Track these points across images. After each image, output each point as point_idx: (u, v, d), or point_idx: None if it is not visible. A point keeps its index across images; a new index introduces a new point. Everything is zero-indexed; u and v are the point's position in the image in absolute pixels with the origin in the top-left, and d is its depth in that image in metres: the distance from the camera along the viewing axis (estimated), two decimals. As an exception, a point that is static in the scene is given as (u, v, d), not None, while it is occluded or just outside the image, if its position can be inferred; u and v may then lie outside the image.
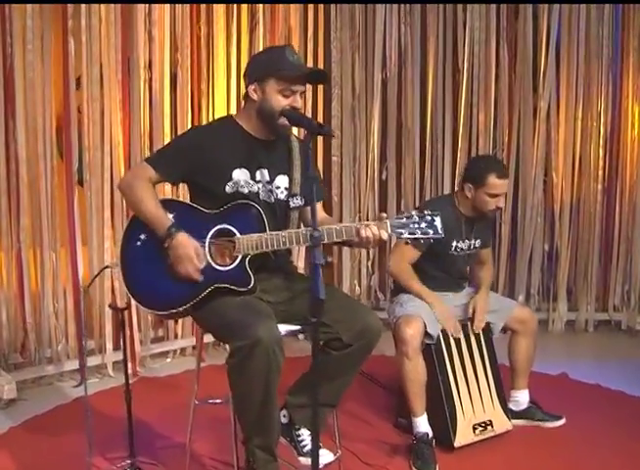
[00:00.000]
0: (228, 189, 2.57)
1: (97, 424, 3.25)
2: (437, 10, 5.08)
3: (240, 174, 2.59)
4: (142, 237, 2.54)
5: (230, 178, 2.57)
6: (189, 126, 4.41)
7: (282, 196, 2.66)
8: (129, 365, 4.19)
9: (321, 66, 4.88)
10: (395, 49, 5.10)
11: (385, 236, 2.46)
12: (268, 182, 2.64)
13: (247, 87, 2.61)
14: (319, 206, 2.77)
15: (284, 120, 2.53)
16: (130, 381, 3.99)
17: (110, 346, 4.26)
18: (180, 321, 4.57)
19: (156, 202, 2.54)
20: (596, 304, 5.29)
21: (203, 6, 4.42)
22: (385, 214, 2.52)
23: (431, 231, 2.48)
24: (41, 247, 4.00)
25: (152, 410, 3.57)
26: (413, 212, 2.50)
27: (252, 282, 2.49)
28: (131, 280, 2.54)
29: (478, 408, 3.35)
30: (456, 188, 4.07)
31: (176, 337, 4.63)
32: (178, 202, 2.71)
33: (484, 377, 3.43)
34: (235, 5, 4.52)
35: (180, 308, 2.49)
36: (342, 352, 2.52)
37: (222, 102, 4.52)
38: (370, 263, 5.32)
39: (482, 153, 5.09)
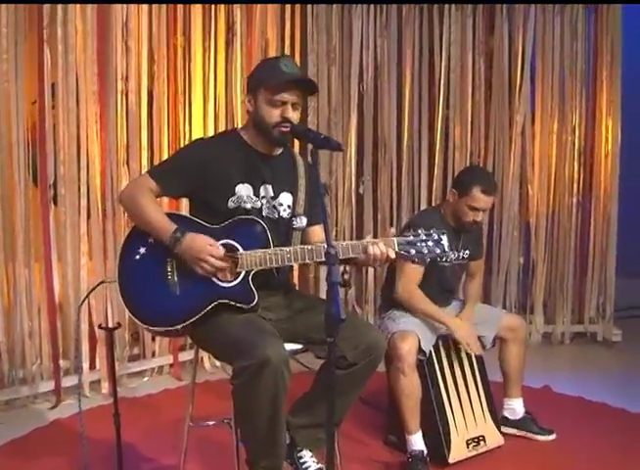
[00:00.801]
0: (231, 204, 2.53)
1: (78, 447, 3.09)
2: (414, 23, 5.09)
3: (243, 189, 2.54)
4: (141, 250, 2.48)
5: (233, 193, 2.53)
6: (165, 140, 4.36)
7: (285, 214, 2.62)
8: (105, 385, 4.13)
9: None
10: (372, 62, 5.09)
11: (392, 254, 2.43)
12: (272, 198, 2.60)
13: (245, 99, 2.60)
14: (319, 227, 2.73)
15: (278, 130, 2.49)
16: (106, 402, 3.92)
17: (86, 366, 4.12)
18: (157, 338, 4.45)
19: (159, 210, 2.50)
20: (572, 316, 5.32)
21: (180, 17, 4.36)
22: (393, 230, 2.50)
23: (438, 250, 2.48)
24: (13, 263, 3.84)
25: (134, 432, 3.44)
26: (419, 231, 2.49)
27: (256, 299, 2.43)
28: (129, 295, 2.46)
29: (470, 423, 3.32)
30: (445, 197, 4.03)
31: (153, 355, 4.50)
32: (179, 215, 2.64)
33: (476, 391, 3.41)
34: (213, 16, 4.47)
35: (180, 326, 2.41)
36: (346, 370, 2.47)
37: (199, 115, 4.47)
38: (347, 277, 5.25)
39: (461, 167, 5.07)
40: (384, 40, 5.08)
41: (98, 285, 3.02)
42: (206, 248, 2.40)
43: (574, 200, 5.21)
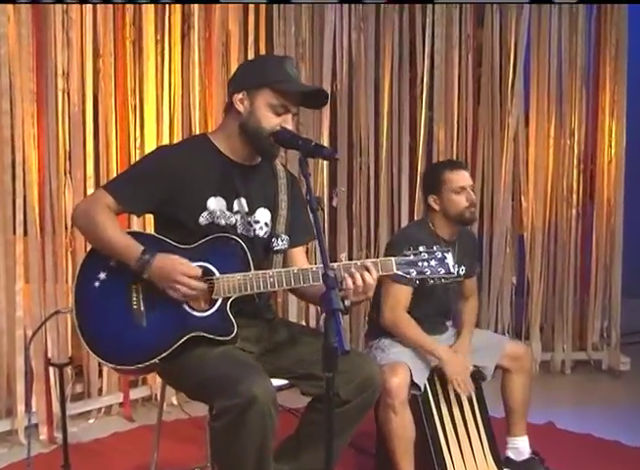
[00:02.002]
0: (202, 220, 2.50)
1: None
2: (393, 15, 5.10)
3: (215, 203, 2.52)
4: (101, 276, 2.44)
5: (204, 208, 2.50)
6: (113, 146, 4.30)
7: (261, 233, 2.61)
8: (44, 430, 4.02)
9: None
10: (346, 58, 5.07)
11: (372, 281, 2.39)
12: (247, 214, 2.58)
13: (230, 96, 2.53)
14: (301, 251, 2.74)
15: (272, 140, 2.46)
16: (45, 450, 3.82)
17: (21, 408, 4.01)
18: (105, 374, 4.36)
19: (121, 229, 2.46)
20: (573, 342, 5.35)
21: (129, 5, 4.30)
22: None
23: (442, 270, 2.48)
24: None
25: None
26: (421, 249, 2.49)
27: (235, 330, 2.40)
28: (87, 328, 2.41)
29: (470, 466, 3.31)
30: (422, 213, 4.05)
31: (100, 393, 4.41)
32: (144, 234, 2.62)
33: (475, 429, 3.39)
34: (166, 5, 4.42)
35: (148, 363, 2.37)
36: (339, 408, 2.44)
37: (152, 117, 4.43)
38: (349, 303, 5.19)
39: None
40: (359, 33, 5.07)
41: (52, 315, 2.96)
42: (179, 267, 2.36)
43: (574, 211, 5.25)
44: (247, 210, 2.57)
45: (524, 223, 5.25)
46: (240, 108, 2.50)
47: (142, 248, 2.38)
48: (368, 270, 2.37)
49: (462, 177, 3.38)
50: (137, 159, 4.27)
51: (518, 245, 5.33)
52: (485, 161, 5.23)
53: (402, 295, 3.30)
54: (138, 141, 4.37)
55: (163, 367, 2.44)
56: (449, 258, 2.49)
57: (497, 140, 5.20)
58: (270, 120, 2.46)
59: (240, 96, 2.50)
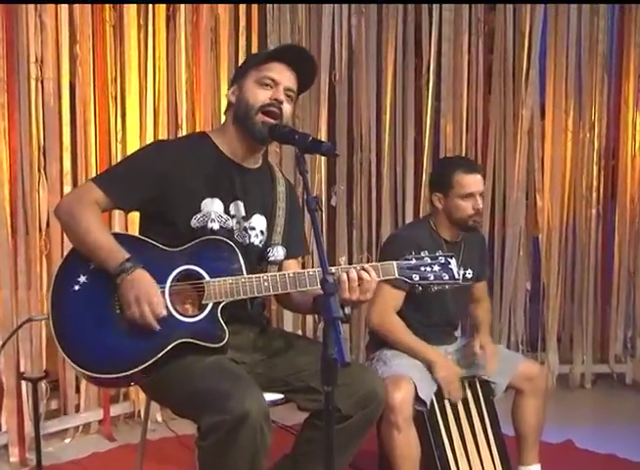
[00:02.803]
0: (195, 223, 2.52)
1: None
2: (397, -2, 5.11)
3: (211, 205, 2.54)
4: (81, 280, 2.43)
5: (198, 210, 2.52)
6: (92, 139, 4.29)
7: (256, 241, 2.63)
8: (15, 452, 3.99)
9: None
10: (346, 45, 5.07)
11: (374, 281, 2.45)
12: (243, 218, 2.60)
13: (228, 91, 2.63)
14: (295, 263, 2.80)
15: (262, 117, 2.50)
16: None
17: (-12, 427, 4.01)
18: (83, 388, 4.34)
19: (107, 230, 2.47)
20: (593, 354, 5.34)
21: (109, -15, 4.30)
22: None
23: (446, 275, 2.55)
24: None
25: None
26: (423, 254, 2.56)
27: (227, 337, 2.40)
28: (65, 335, 2.39)
29: (482, 489, 3.31)
30: (428, 208, 4.06)
31: (77, 409, 4.38)
32: (128, 236, 2.63)
33: (487, 449, 3.38)
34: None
35: (130, 372, 2.35)
36: (339, 425, 2.44)
37: (134, 108, 4.42)
38: (349, 310, 5.17)
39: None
40: (360, 18, 5.07)
41: (24, 323, 2.93)
42: (153, 294, 2.35)
43: (594, 211, 5.25)
44: (243, 214, 2.59)
45: (539, 224, 5.24)
46: (232, 99, 2.58)
47: (127, 255, 2.38)
48: (366, 271, 2.42)
49: (474, 182, 3.38)
50: (118, 152, 4.30)
51: (532, 247, 5.32)
52: (497, 156, 5.23)
53: (393, 298, 3.33)
54: (119, 134, 4.35)
55: (148, 379, 2.43)
56: (453, 264, 2.55)
57: (510, 134, 5.20)
58: (258, 95, 2.52)
59: (232, 90, 2.60)
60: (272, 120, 2.49)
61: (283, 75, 2.52)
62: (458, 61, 5.14)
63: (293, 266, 2.76)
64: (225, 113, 2.66)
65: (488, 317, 3.68)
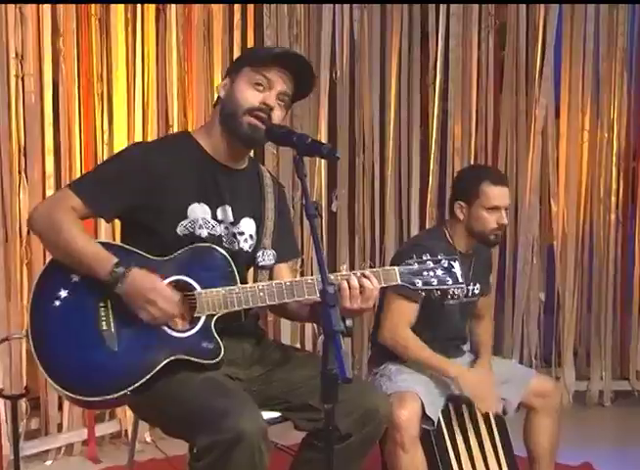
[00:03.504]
0: (181, 230, 2.52)
1: None
2: (402, -10, 5.13)
3: (198, 211, 2.54)
4: (62, 295, 2.42)
5: (185, 216, 2.52)
6: (77, 141, 4.29)
7: (246, 246, 2.64)
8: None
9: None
10: (347, 40, 5.08)
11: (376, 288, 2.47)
12: (232, 224, 2.61)
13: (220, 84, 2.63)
14: (286, 267, 2.80)
15: (249, 119, 2.49)
16: None
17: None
18: (66, 407, 4.34)
19: (89, 236, 2.47)
20: (612, 369, 5.33)
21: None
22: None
23: (449, 279, 2.58)
24: None
25: None
26: (425, 257, 2.58)
27: (222, 352, 2.41)
28: (47, 355, 2.39)
29: (491, 514, 3.33)
30: (446, 216, 4.07)
31: (60, 429, 4.38)
32: (111, 245, 2.59)
33: (498, 470, 3.41)
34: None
35: (120, 393, 2.35)
36: (339, 444, 2.43)
37: (122, 107, 4.41)
38: (350, 323, 5.19)
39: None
40: (362, 12, 5.09)
41: (2, 342, 2.94)
42: (159, 285, 2.37)
43: (613, 216, 5.26)
44: (231, 219, 2.60)
45: (553, 231, 5.25)
46: (221, 93, 2.58)
47: (115, 259, 2.38)
48: (367, 277, 2.43)
49: (501, 195, 3.40)
50: (104, 155, 4.29)
51: (547, 256, 5.33)
52: (509, 158, 5.24)
53: (406, 310, 3.33)
54: (106, 135, 4.35)
55: (136, 398, 2.43)
56: (457, 267, 2.57)
57: (522, 134, 5.22)
58: (248, 97, 2.50)
59: (223, 83, 2.59)
60: (260, 124, 2.48)
61: (279, 79, 2.50)
62: (467, 57, 5.16)
63: (285, 271, 2.77)
64: (214, 106, 2.65)
65: (489, 339, 3.66)
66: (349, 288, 2.40)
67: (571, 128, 5.22)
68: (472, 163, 5.20)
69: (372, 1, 5.09)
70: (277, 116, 2.52)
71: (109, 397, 2.36)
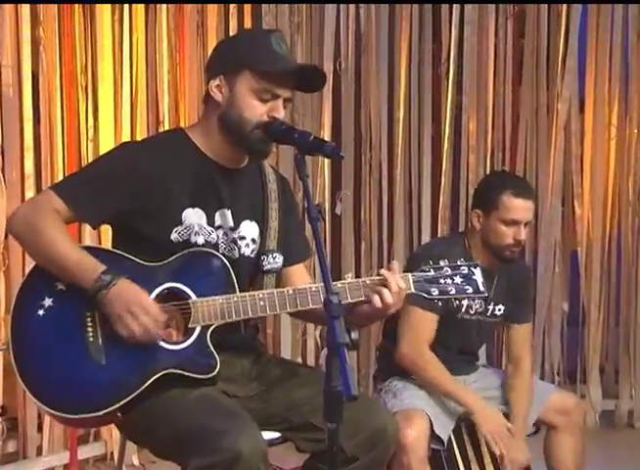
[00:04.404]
0: (175, 237, 2.52)
1: None
2: (411, -26, 5.14)
3: (193, 217, 2.54)
4: (46, 303, 2.43)
5: (179, 222, 2.52)
6: (59, 138, 4.30)
7: (247, 251, 2.64)
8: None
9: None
10: (353, 29, 5.09)
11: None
12: (231, 229, 2.61)
13: (207, 83, 2.57)
14: (301, 268, 2.80)
15: (260, 133, 2.48)
16: None
17: None
18: (46, 427, 4.36)
19: (74, 241, 2.48)
20: (643, 387, 5.36)
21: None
22: (395, 262, 2.53)
23: (469, 288, 2.56)
24: None
25: None
26: (442, 263, 2.57)
27: (218, 366, 2.41)
28: (29, 369, 2.40)
29: None
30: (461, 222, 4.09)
31: (39, 452, 4.39)
32: (100, 249, 2.63)
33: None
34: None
35: (108, 410, 2.36)
36: (342, 468, 2.43)
37: (108, 103, 4.42)
38: (318, 333, 5.22)
39: (478, 175, 5.16)
40: (369, -1, 5.11)
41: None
42: (145, 300, 2.37)
43: (643, 220, 5.28)
44: (231, 224, 2.60)
45: (577, 235, 5.27)
46: (217, 97, 2.52)
47: (103, 267, 2.38)
48: (386, 286, 2.43)
49: (523, 209, 3.38)
50: (89, 153, 4.31)
51: (570, 262, 5.35)
52: (528, 156, 5.27)
53: (425, 324, 3.33)
54: (90, 131, 4.36)
55: (125, 417, 2.44)
56: (478, 274, 2.56)
57: (544, 130, 5.24)
58: (254, 109, 2.48)
59: (217, 82, 2.53)
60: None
61: (285, 90, 2.49)
62: (483, 46, 5.18)
63: (297, 273, 2.76)
64: (204, 102, 2.62)
65: (525, 404, 3.45)
66: (391, 291, 2.41)
67: (597, 124, 5.23)
68: (487, 161, 5.26)
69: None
70: (282, 116, 2.52)
71: (94, 414, 2.36)
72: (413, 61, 5.20)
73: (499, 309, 3.52)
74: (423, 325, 3.32)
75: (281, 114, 2.50)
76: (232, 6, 4.81)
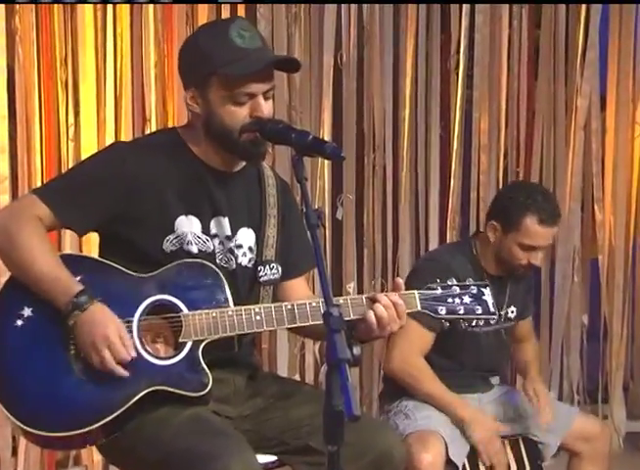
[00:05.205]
0: (168, 246, 2.54)
1: None
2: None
3: (187, 224, 2.56)
4: (25, 313, 2.44)
5: (171, 230, 2.54)
6: (37, 136, 4.30)
7: (245, 261, 2.66)
8: None
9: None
10: (355, 19, 5.07)
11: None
12: (228, 238, 2.62)
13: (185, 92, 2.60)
14: (302, 282, 2.83)
15: (250, 136, 2.50)
16: None
17: None
18: (21, 450, 4.35)
19: (54, 254, 2.48)
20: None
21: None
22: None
23: (479, 308, 2.61)
24: None
25: None
26: (450, 282, 2.62)
27: (210, 384, 2.42)
28: (3, 382, 2.41)
29: None
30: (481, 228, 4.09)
31: (14, 474, 4.41)
32: (85, 258, 2.65)
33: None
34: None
35: (87, 429, 2.36)
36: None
37: (91, 98, 4.41)
38: (318, 349, 5.22)
39: (489, 177, 5.16)
40: (373, -16, 5.11)
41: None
42: (120, 328, 2.38)
43: (669, 226, 5.28)
44: (227, 232, 2.62)
45: (598, 243, 5.28)
46: (195, 109, 2.56)
47: (79, 288, 2.39)
48: (393, 303, 2.47)
49: (544, 236, 3.42)
50: (70, 153, 4.32)
51: (590, 272, 5.36)
52: (545, 157, 5.28)
53: (421, 338, 3.38)
54: (71, 129, 4.36)
55: (108, 438, 2.44)
56: (487, 295, 2.60)
57: (561, 129, 5.25)
58: (234, 115, 2.50)
59: (190, 94, 2.56)
60: (259, 135, 2.50)
61: (260, 85, 2.49)
62: (496, 37, 5.17)
63: (296, 287, 2.79)
64: (187, 109, 2.65)
65: (537, 357, 3.73)
66: (385, 308, 2.44)
67: (620, 122, 5.24)
68: (500, 162, 5.25)
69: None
70: (268, 109, 2.53)
71: (74, 432, 2.36)
72: (420, 53, 5.17)
73: (512, 311, 3.59)
74: (416, 337, 3.35)
75: (264, 110, 2.51)
76: (226, -7, 4.82)
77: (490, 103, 5.23)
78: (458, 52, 5.17)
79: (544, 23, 5.22)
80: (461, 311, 2.58)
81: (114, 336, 2.36)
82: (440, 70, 5.24)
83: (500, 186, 5.14)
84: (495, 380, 3.69)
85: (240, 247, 2.64)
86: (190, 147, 2.61)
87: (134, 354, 2.38)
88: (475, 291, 2.59)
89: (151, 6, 4.51)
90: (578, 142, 5.24)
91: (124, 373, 2.37)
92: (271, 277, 2.68)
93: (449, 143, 5.25)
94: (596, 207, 5.28)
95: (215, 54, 2.49)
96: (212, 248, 2.59)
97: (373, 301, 2.47)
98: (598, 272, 5.31)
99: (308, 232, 2.28)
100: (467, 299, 2.58)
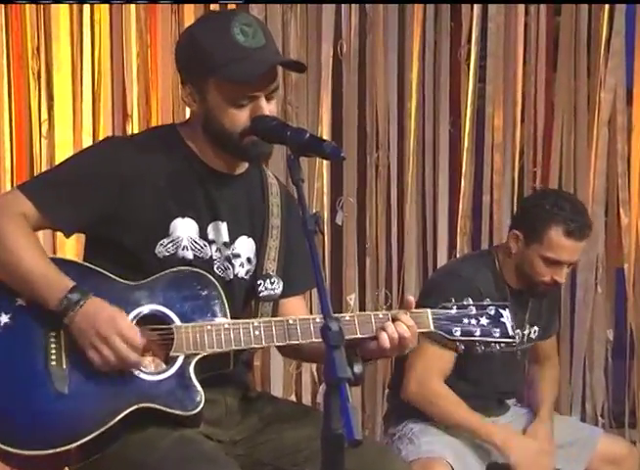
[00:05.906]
0: (161, 250, 2.55)
1: None
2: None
3: (183, 228, 2.57)
4: (2, 320, 2.44)
5: (166, 233, 2.55)
6: (7, 131, 4.32)
7: (242, 272, 2.67)
8: None
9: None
10: (357, 7, 5.08)
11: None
12: (226, 245, 2.63)
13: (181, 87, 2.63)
14: (301, 301, 2.84)
15: (250, 139, 2.51)
16: None
17: None
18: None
19: (40, 250, 2.48)
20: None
21: None
22: (411, 298, 2.58)
23: (497, 331, 2.61)
24: None
25: None
26: (465, 302, 2.61)
27: (202, 402, 2.41)
28: None
29: None
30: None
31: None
32: (71, 263, 2.64)
33: None
34: None
35: (64, 448, 2.35)
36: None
37: (65, 89, 4.45)
38: (315, 367, 5.21)
39: (504, 179, 5.16)
40: (375, -29, 5.12)
41: None
42: (120, 322, 2.37)
43: (701, 231, 5.28)
44: (225, 239, 2.63)
45: (624, 250, 5.28)
46: (192, 107, 2.59)
47: (71, 284, 2.39)
48: (399, 320, 2.47)
49: (569, 251, 3.42)
50: (43, 151, 4.33)
51: (615, 282, 5.36)
52: (564, 155, 5.29)
53: (440, 359, 3.38)
54: (44, 125, 4.39)
55: (86, 461, 2.43)
56: (507, 317, 2.60)
57: (583, 126, 5.25)
58: (235, 118, 2.51)
59: (187, 91, 2.58)
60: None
61: (263, 85, 2.50)
62: (511, 26, 5.18)
63: (294, 306, 2.78)
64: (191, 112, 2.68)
65: (552, 391, 3.70)
66: (391, 338, 2.45)
67: (647, 119, 5.26)
68: (516, 162, 5.26)
69: None
70: (273, 110, 2.54)
71: (48, 452, 2.35)
72: (428, 43, 5.19)
73: (534, 331, 3.60)
74: (435, 360, 3.37)
75: (266, 112, 2.51)
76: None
77: (505, 97, 5.24)
78: (469, 42, 5.19)
79: (564, 9, 5.22)
80: (477, 333, 2.58)
81: (121, 321, 2.37)
82: (450, 61, 5.25)
83: (515, 188, 5.17)
84: (512, 401, 3.69)
85: (237, 256, 2.65)
86: (189, 146, 2.63)
87: (144, 341, 2.39)
88: (493, 312, 2.59)
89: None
90: (602, 139, 5.24)
91: (139, 359, 2.38)
92: (271, 292, 2.67)
93: (460, 141, 5.26)
94: (621, 210, 5.28)
95: (215, 52, 2.50)
96: (210, 254, 2.59)
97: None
98: (624, 282, 5.31)
99: (305, 239, 2.27)
100: (484, 320, 2.58)
